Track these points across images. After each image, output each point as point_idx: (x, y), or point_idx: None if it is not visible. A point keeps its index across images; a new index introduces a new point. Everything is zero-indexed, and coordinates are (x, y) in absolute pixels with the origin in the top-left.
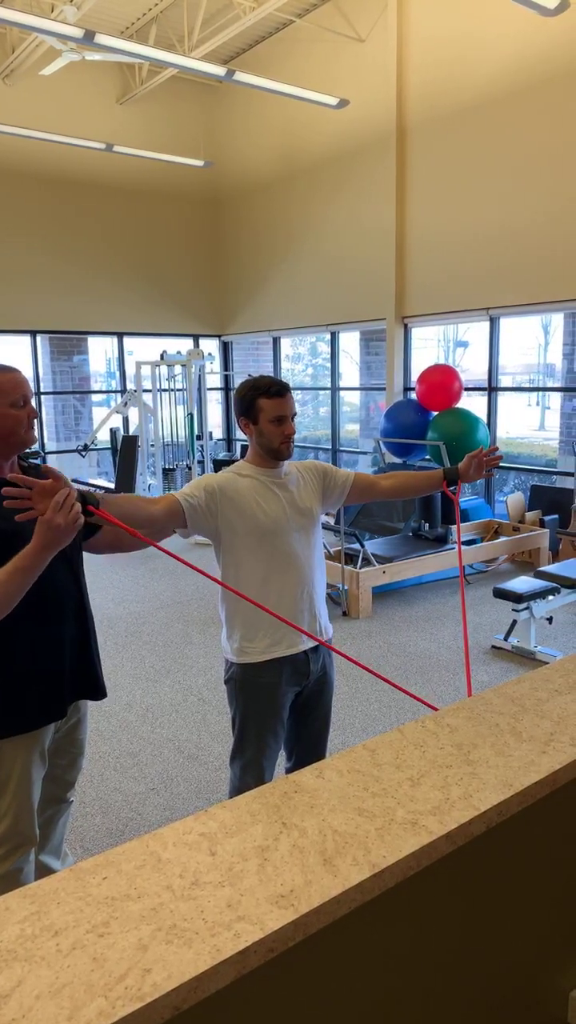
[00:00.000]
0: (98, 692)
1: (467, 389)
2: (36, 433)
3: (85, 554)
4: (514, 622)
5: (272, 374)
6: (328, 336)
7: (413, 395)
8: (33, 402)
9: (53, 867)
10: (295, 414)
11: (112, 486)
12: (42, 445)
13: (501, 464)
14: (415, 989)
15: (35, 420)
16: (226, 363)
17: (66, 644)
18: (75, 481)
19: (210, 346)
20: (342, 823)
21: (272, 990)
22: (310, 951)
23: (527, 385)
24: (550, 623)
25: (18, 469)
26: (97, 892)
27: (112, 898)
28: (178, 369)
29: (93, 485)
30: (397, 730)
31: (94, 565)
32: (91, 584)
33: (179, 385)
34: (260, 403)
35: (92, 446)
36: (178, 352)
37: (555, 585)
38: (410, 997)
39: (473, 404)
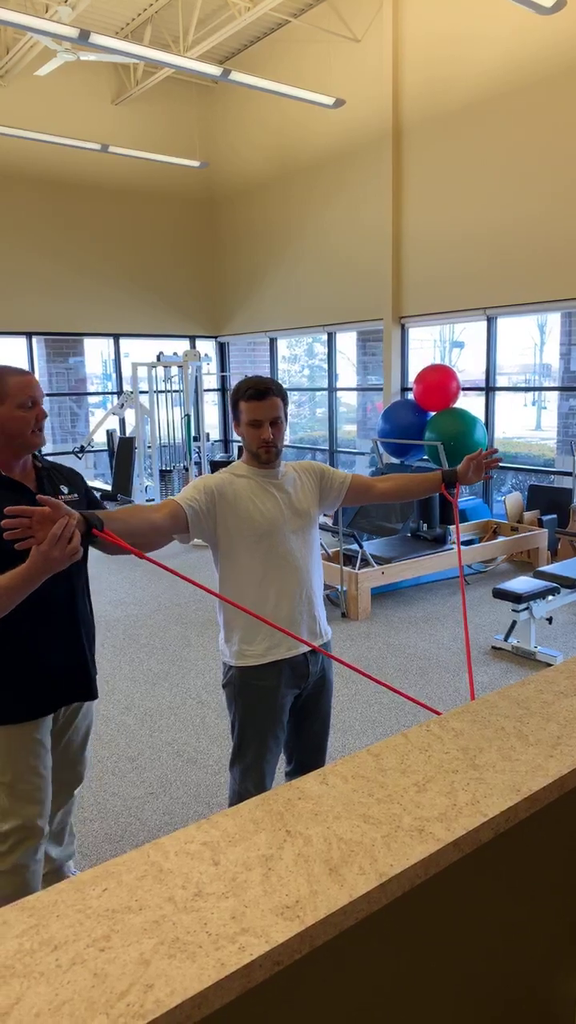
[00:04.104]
0: (89, 693)
1: (464, 389)
2: (45, 435)
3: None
4: (514, 622)
5: (269, 375)
6: (325, 337)
7: (410, 395)
8: (45, 405)
9: (50, 852)
10: (276, 418)
11: (109, 488)
12: None
13: (499, 464)
14: (423, 998)
15: (43, 422)
16: (223, 364)
17: (53, 644)
18: None
19: (207, 347)
20: (347, 831)
21: (278, 1005)
22: (317, 963)
23: (523, 385)
24: (550, 623)
25: (32, 470)
26: (97, 904)
27: (113, 910)
28: (174, 370)
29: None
30: (402, 734)
31: (91, 568)
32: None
33: (176, 386)
34: (240, 406)
35: (89, 448)
36: (174, 353)
37: (555, 585)
38: (418, 1006)
39: (470, 404)
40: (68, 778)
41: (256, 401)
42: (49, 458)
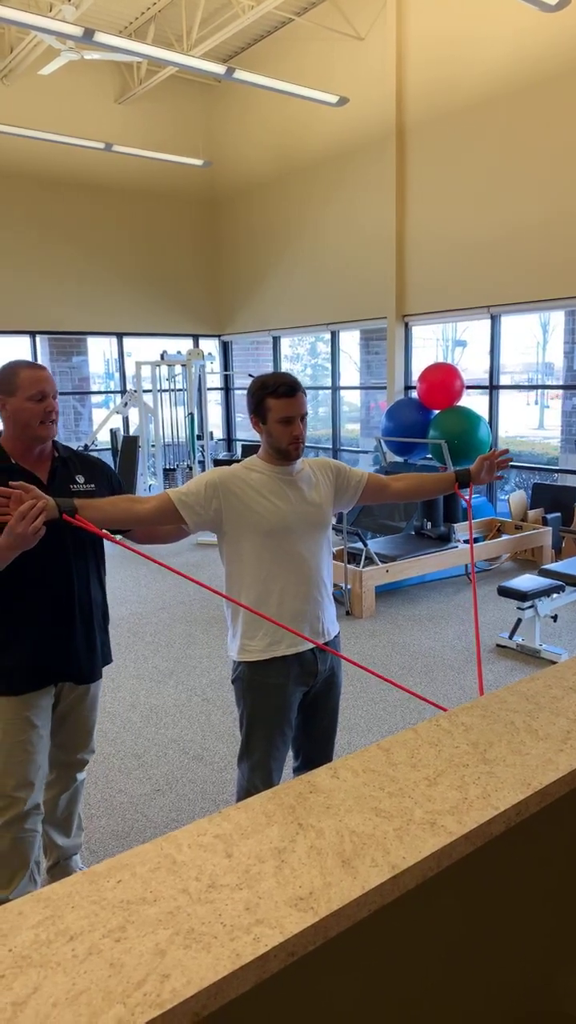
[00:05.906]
0: (78, 676)
1: (468, 387)
2: (56, 428)
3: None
4: (519, 620)
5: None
6: (328, 335)
7: (414, 394)
8: (57, 401)
9: (56, 840)
10: (305, 414)
11: None
12: None
13: (510, 464)
14: (436, 990)
15: (53, 415)
16: (226, 363)
17: (42, 625)
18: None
19: (210, 346)
20: (359, 824)
21: (292, 995)
22: (330, 954)
23: (525, 383)
24: (555, 621)
25: (48, 459)
26: (112, 896)
27: (128, 902)
28: (178, 369)
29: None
30: (411, 729)
31: None
32: None
33: (179, 385)
34: (268, 403)
35: (92, 447)
36: (178, 352)
37: (560, 583)
38: (431, 998)
39: (474, 402)
40: (69, 760)
41: (288, 398)
42: None
